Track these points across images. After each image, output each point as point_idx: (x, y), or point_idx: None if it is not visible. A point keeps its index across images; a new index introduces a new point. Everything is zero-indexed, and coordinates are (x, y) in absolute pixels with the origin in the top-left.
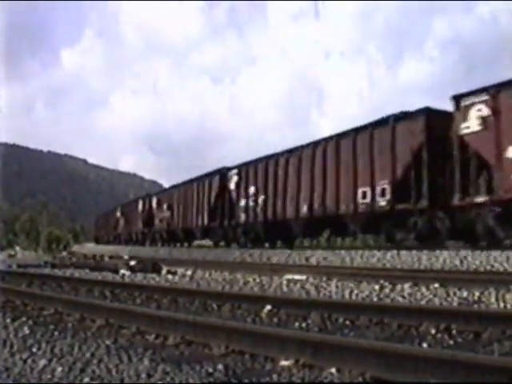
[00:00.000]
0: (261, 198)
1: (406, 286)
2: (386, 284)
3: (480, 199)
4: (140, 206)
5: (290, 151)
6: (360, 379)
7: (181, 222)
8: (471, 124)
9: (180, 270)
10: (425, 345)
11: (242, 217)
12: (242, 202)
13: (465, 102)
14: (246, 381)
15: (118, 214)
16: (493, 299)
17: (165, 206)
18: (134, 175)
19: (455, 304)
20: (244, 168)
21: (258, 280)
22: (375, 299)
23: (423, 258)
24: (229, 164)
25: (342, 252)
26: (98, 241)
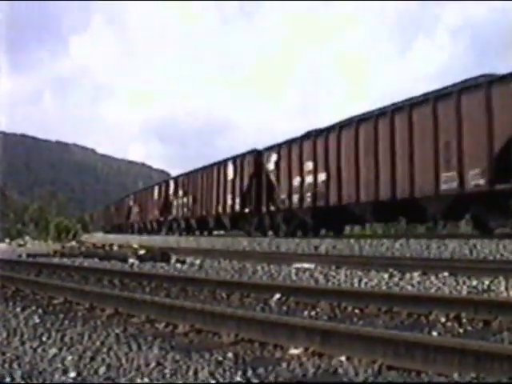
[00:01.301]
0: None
1: (415, 274)
2: (395, 273)
3: None
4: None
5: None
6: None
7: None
8: None
9: (189, 259)
10: (434, 333)
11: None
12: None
13: None
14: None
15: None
16: (502, 288)
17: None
18: (143, 165)
19: (465, 293)
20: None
21: (266, 269)
22: (384, 288)
23: (432, 247)
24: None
25: (351, 241)
26: (106, 230)
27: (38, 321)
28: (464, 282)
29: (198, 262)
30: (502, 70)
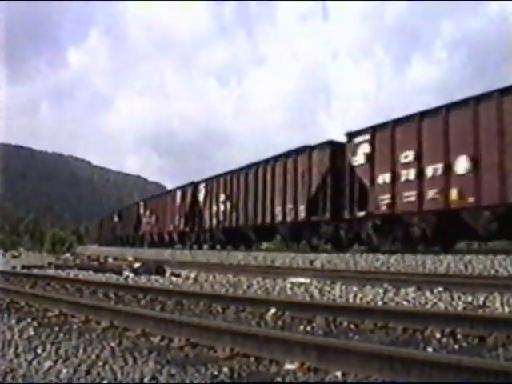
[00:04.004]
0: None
1: (410, 290)
2: (390, 288)
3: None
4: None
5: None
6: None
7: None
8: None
9: (184, 273)
10: (430, 349)
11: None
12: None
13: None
14: None
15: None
16: (498, 304)
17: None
18: (138, 177)
19: (460, 308)
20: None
21: (261, 283)
22: (380, 303)
23: (427, 262)
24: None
25: (346, 255)
26: (100, 243)
27: (32, 333)
28: (459, 298)
29: (192, 275)
30: (500, 83)
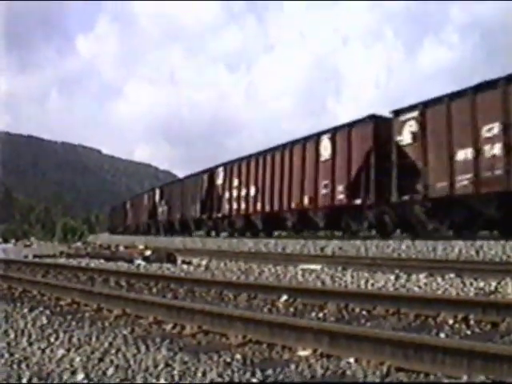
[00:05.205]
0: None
1: (422, 276)
2: (402, 274)
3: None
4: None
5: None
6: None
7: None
8: None
9: (195, 260)
10: (442, 335)
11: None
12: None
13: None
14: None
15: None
16: (509, 289)
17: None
18: (149, 166)
19: (472, 294)
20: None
21: (272, 270)
22: (391, 289)
23: (438, 248)
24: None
25: (357, 242)
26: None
27: (45, 322)
28: (471, 284)
29: (204, 263)
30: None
